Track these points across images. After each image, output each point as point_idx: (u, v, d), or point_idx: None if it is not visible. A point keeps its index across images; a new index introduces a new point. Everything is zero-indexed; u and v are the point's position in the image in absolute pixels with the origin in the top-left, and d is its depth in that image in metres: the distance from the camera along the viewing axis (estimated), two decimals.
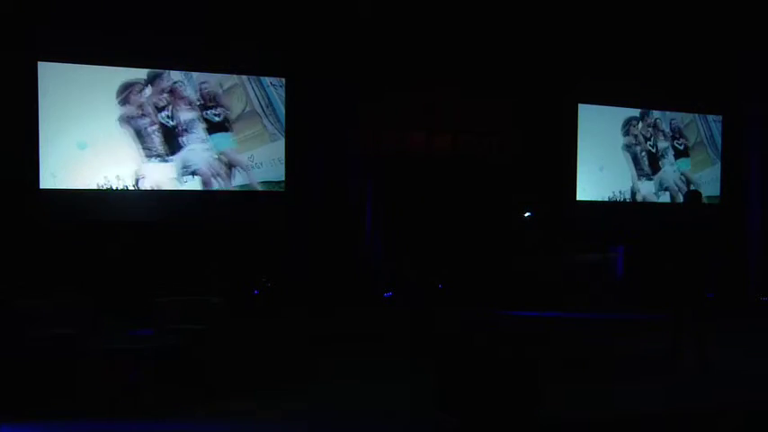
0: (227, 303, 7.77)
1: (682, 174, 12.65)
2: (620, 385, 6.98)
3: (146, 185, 9.39)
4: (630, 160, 12.30)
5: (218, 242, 9.55)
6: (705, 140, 12.86)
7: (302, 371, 7.37)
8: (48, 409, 5.94)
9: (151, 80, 9.46)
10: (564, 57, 11.20)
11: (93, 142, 9.12)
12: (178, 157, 9.58)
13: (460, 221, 10.81)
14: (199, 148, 9.71)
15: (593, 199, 11.94)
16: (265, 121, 10.07)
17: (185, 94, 9.64)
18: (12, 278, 8.11)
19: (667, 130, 12.59)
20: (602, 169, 11.99)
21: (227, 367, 6.85)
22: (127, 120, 9.31)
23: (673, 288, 7.77)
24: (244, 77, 9.95)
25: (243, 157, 9.95)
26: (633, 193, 12.27)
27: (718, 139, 12.92)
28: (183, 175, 9.62)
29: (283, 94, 10.10)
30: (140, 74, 9.39)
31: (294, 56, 10.05)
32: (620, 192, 12.14)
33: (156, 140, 9.48)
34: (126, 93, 9.31)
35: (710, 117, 12.90)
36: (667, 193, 12.53)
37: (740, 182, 12.52)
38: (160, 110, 9.50)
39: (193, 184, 9.68)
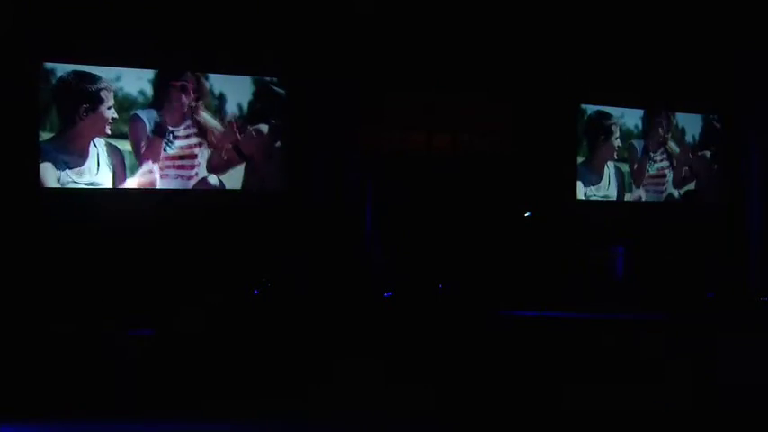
0: (227, 303, 7.77)
1: None
2: (619, 385, 6.98)
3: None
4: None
5: (218, 242, 9.54)
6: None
7: (302, 371, 7.37)
8: (48, 409, 5.94)
9: None
10: (564, 57, 11.19)
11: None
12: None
13: (460, 221, 10.81)
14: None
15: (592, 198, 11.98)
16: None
17: None
18: (11, 277, 8.11)
19: None
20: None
21: (226, 367, 6.85)
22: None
23: (673, 288, 7.79)
24: None
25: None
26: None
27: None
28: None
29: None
30: None
31: (294, 55, 10.05)
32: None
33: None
34: None
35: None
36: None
37: (740, 181, 12.52)
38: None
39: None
